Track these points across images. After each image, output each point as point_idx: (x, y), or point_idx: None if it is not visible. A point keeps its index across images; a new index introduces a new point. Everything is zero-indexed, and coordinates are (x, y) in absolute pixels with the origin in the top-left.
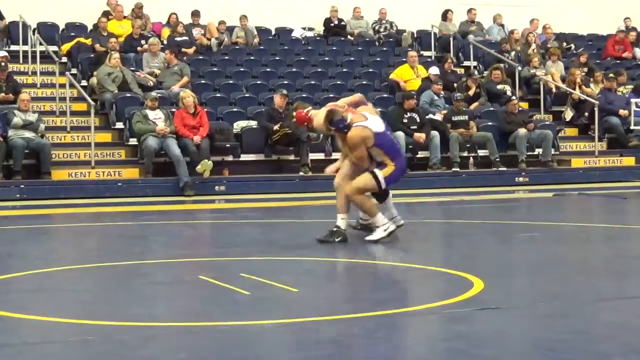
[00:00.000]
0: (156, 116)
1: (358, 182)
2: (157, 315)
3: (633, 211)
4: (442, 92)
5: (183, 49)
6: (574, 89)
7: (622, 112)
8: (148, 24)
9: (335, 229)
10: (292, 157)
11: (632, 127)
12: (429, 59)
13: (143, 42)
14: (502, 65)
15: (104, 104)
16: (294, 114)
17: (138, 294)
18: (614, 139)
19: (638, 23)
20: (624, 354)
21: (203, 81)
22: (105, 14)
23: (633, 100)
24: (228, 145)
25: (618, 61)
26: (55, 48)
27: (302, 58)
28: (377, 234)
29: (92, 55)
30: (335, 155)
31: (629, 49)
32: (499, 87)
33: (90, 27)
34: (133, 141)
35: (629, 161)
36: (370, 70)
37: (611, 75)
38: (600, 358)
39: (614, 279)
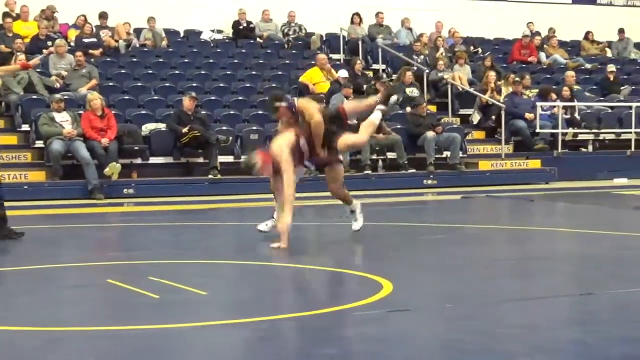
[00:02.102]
0: (63, 119)
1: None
2: (65, 319)
3: (539, 213)
4: (352, 95)
5: (90, 51)
6: (488, 91)
7: (528, 115)
8: (55, 25)
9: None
10: (201, 160)
11: (537, 130)
12: (337, 62)
13: (49, 43)
14: (412, 67)
15: (9, 106)
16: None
17: (45, 298)
18: (520, 142)
19: (541, 27)
20: (530, 354)
21: (111, 83)
22: (10, 15)
23: (539, 104)
24: (136, 148)
25: (524, 65)
26: None
27: (211, 60)
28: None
29: None
30: (244, 158)
31: (534, 53)
32: (408, 90)
33: None
34: (39, 144)
35: (534, 164)
36: (280, 72)
37: (517, 79)
38: (507, 358)
39: (520, 280)
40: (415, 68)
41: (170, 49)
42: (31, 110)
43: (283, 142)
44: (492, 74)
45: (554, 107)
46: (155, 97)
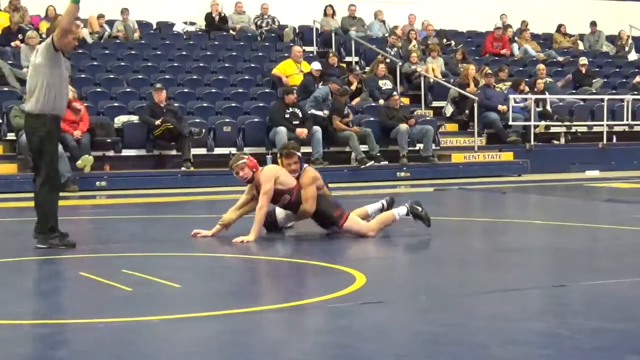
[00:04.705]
0: None
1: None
2: (38, 312)
3: (511, 205)
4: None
5: None
6: (469, 84)
7: (501, 107)
8: (26, 17)
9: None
10: (174, 152)
11: (510, 123)
12: (310, 54)
13: (21, 35)
14: (385, 59)
15: None
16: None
17: (18, 291)
18: (493, 134)
19: (514, 20)
20: (502, 345)
21: (83, 75)
22: None
23: (511, 96)
24: (109, 140)
25: (496, 57)
26: None
27: (184, 53)
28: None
29: None
30: (218, 151)
31: (506, 45)
32: (381, 82)
33: None
34: (11, 136)
35: (507, 156)
36: (253, 65)
37: (490, 71)
38: (479, 349)
39: (493, 272)
40: (388, 60)
41: (143, 41)
42: (2, 102)
43: (273, 173)
44: (471, 67)
45: (527, 99)
46: (128, 90)
